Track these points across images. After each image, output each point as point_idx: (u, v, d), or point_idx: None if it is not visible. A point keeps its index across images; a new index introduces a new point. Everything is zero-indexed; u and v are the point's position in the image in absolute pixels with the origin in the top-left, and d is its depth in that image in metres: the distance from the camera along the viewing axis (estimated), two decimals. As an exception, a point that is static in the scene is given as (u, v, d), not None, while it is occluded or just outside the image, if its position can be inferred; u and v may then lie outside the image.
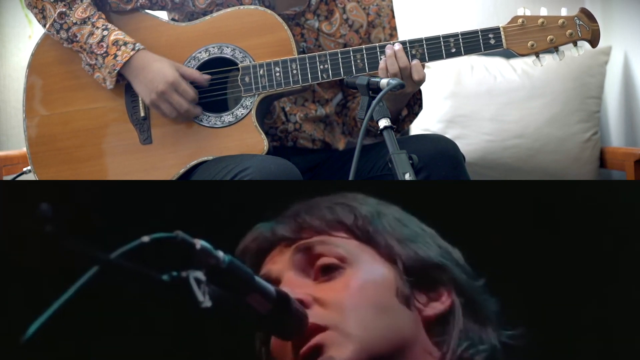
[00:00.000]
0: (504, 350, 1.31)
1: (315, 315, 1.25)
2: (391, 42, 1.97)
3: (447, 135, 2.33)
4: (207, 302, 1.12)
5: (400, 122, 2.08)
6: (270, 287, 1.20)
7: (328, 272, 1.28)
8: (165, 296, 1.11)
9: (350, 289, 1.27)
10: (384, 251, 1.31)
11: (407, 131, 2.14)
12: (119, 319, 1.36)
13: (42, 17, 2.02)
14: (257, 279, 1.19)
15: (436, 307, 1.31)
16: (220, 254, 1.15)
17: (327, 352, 1.23)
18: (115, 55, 1.96)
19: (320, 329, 1.24)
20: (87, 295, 1.06)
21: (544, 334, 1.42)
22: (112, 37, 1.97)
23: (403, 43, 1.95)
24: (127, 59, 1.95)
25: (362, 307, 1.26)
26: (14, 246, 1.25)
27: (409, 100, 2.05)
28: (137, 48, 1.96)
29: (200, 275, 1.13)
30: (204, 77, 1.98)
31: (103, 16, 2.00)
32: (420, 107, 2.09)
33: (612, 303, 1.48)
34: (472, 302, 1.32)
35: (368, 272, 1.29)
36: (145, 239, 1.10)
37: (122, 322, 1.37)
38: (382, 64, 1.93)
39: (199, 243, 1.14)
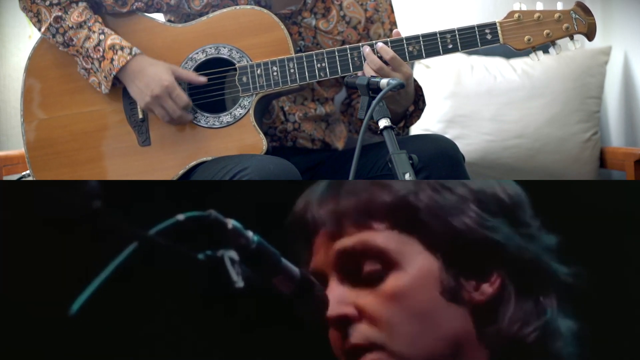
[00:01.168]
0: (565, 293, 1.29)
1: (363, 332, 1.26)
2: (362, 44, 1.97)
3: (447, 135, 2.33)
4: (240, 283, 1.12)
5: (408, 117, 2.07)
6: (295, 269, 1.20)
7: (372, 279, 1.27)
8: (202, 275, 1.11)
9: (394, 299, 1.26)
10: (425, 239, 1.28)
11: (407, 131, 2.13)
12: (155, 298, 1.35)
13: (37, 21, 2.01)
14: (283, 260, 1.19)
15: (486, 291, 1.28)
16: (250, 233, 1.15)
17: None
18: (112, 60, 1.95)
19: (369, 347, 1.25)
20: (125, 274, 1.07)
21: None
22: (108, 42, 1.97)
23: (400, 40, 1.95)
24: (124, 63, 1.95)
25: (408, 320, 1.25)
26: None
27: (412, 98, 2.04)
28: (134, 53, 1.96)
29: (234, 255, 1.13)
30: (200, 79, 1.98)
31: (99, 20, 2.00)
32: (424, 102, 2.08)
33: (610, 302, 1.48)
34: (524, 267, 1.29)
35: (411, 274, 1.27)
36: (180, 216, 1.10)
37: (158, 301, 1.36)
38: (360, 74, 1.93)
39: (231, 222, 1.14)
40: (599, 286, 1.32)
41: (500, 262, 1.29)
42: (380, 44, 1.93)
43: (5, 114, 2.85)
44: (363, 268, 1.27)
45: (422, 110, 2.09)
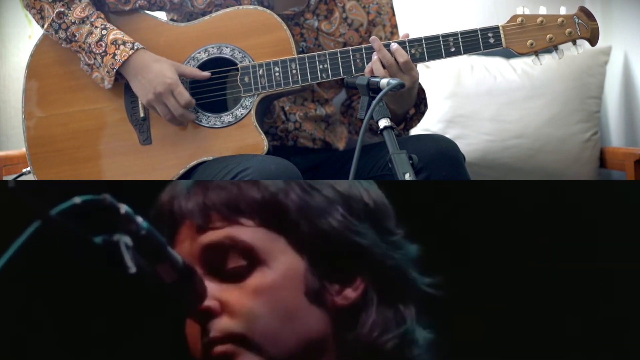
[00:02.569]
0: (424, 303, 1.30)
1: (223, 324, 1.25)
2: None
3: (447, 135, 2.33)
4: (133, 268, 1.13)
5: (408, 120, 2.08)
6: (179, 257, 1.20)
7: (236, 274, 1.27)
8: (98, 260, 1.12)
9: (257, 295, 1.25)
10: (292, 239, 1.28)
11: (407, 133, 2.13)
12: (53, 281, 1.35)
13: (40, 18, 2.01)
14: (169, 248, 1.19)
15: (349, 296, 1.29)
16: (140, 219, 1.15)
17: None
18: (114, 55, 1.95)
19: (228, 338, 1.24)
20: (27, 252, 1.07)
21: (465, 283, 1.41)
22: (111, 37, 1.97)
23: (402, 42, 1.95)
24: (126, 58, 1.95)
25: (268, 317, 1.25)
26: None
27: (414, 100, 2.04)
28: (136, 47, 1.96)
29: (128, 240, 1.13)
30: (204, 74, 1.98)
31: (102, 15, 2.00)
32: (425, 106, 2.09)
33: (611, 306, 1.48)
34: (386, 274, 1.30)
35: (276, 272, 1.27)
36: (77, 199, 1.10)
37: (56, 285, 1.35)
38: (367, 68, 1.93)
39: (124, 207, 1.14)
40: (457, 296, 1.33)
41: (365, 267, 1.30)
42: (395, 45, 1.93)
43: (5, 114, 2.85)
44: (228, 263, 1.27)
45: (423, 113, 2.10)
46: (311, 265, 1.28)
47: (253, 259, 1.27)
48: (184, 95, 1.94)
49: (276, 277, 1.27)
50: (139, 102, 2.01)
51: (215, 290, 1.26)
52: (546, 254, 1.49)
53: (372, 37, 1.94)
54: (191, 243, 1.29)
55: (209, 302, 1.25)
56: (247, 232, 1.28)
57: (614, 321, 1.48)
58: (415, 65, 1.94)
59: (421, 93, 2.06)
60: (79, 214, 1.10)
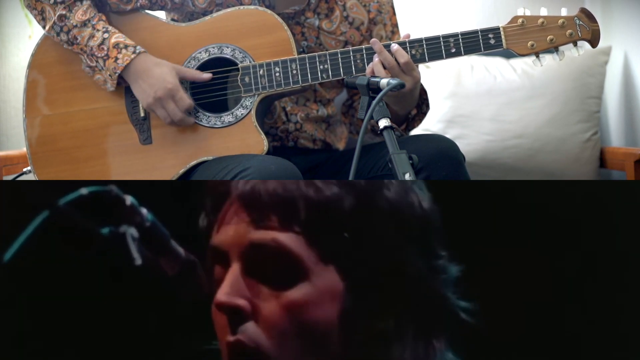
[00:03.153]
0: (458, 331, 1.25)
1: (252, 333, 1.21)
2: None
3: (447, 135, 2.33)
4: (138, 260, 1.12)
5: (410, 121, 2.08)
6: (181, 250, 1.19)
7: (278, 282, 1.21)
8: (104, 250, 1.11)
9: (296, 309, 1.21)
10: (329, 258, 1.22)
11: (408, 133, 2.14)
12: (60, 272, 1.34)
13: (41, 19, 2.02)
14: (172, 241, 1.18)
15: (378, 325, 1.22)
16: (144, 211, 1.15)
17: None
18: (116, 59, 1.96)
19: (252, 351, 1.20)
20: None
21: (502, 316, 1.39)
22: (112, 40, 1.97)
23: (403, 43, 1.95)
24: (128, 62, 1.95)
25: (300, 333, 1.20)
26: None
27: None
28: (137, 51, 1.96)
29: (134, 232, 1.13)
30: (205, 77, 1.98)
31: (103, 18, 2.00)
32: (427, 106, 2.09)
33: (611, 304, 1.49)
34: (426, 309, 1.24)
35: (314, 289, 1.22)
36: (84, 190, 1.10)
37: (63, 275, 1.35)
38: (368, 69, 1.93)
39: (129, 199, 1.14)
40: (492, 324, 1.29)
41: (405, 300, 1.24)
42: (396, 46, 1.93)
43: (5, 114, 2.85)
44: (272, 268, 1.22)
45: (425, 114, 2.10)
46: (349, 287, 1.22)
47: (298, 270, 1.22)
48: (184, 100, 1.94)
49: (313, 293, 1.22)
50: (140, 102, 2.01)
51: (250, 291, 1.22)
52: (546, 254, 1.49)
53: (373, 40, 1.94)
54: (237, 234, 1.23)
55: (240, 301, 1.21)
56: (296, 242, 1.22)
57: (615, 321, 1.48)
58: (417, 66, 1.94)
59: (423, 94, 2.06)
60: (86, 205, 1.09)
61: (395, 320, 1.23)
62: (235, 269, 1.23)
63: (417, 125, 2.10)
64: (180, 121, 1.96)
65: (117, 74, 1.96)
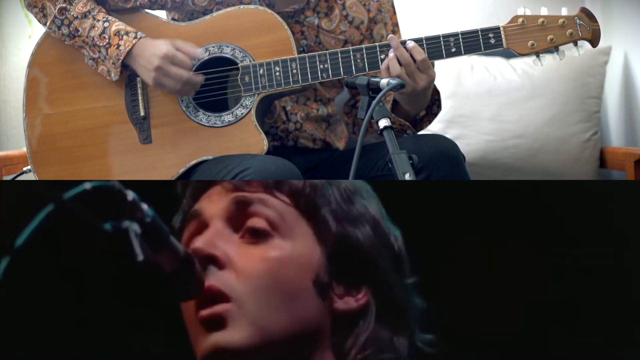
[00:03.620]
0: (414, 356, 1.29)
1: (224, 279, 1.23)
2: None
3: (447, 135, 2.33)
4: (140, 256, 1.12)
5: (419, 122, 2.07)
6: (180, 247, 1.18)
7: (255, 235, 1.26)
8: (107, 246, 1.11)
9: (268, 262, 1.24)
10: (318, 230, 1.28)
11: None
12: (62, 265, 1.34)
13: (42, 16, 2.02)
14: (171, 237, 1.18)
15: (349, 303, 1.28)
16: (145, 206, 1.14)
17: (227, 327, 1.21)
18: (118, 45, 1.96)
19: (224, 298, 1.23)
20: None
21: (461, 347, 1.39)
22: (113, 28, 1.97)
23: (403, 42, 1.95)
24: (130, 47, 1.95)
25: (272, 287, 1.24)
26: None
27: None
28: (139, 36, 1.96)
29: (137, 227, 1.13)
30: (198, 52, 1.97)
31: (103, 10, 2.01)
32: (438, 107, 2.07)
33: (611, 303, 1.48)
34: (391, 303, 1.30)
35: (293, 249, 1.26)
36: (87, 185, 1.10)
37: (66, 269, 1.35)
38: (383, 65, 1.93)
39: (130, 194, 1.13)
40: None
41: (374, 285, 1.29)
42: (412, 43, 1.92)
43: (5, 114, 2.85)
44: (250, 221, 1.26)
45: (435, 114, 2.08)
46: (327, 258, 1.28)
47: (275, 228, 1.27)
48: (185, 61, 1.94)
49: (292, 253, 1.26)
50: (140, 100, 2.01)
51: (227, 242, 1.26)
52: (546, 255, 1.49)
53: (390, 36, 1.93)
54: (220, 197, 1.29)
55: (216, 251, 1.24)
56: (279, 204, 1.28)
57: (616, 321, 1.48)
58: (432, 65, 1.93)
59: (434, 94, 2.05)
60: (89, 200, 1.09)
61: (366, 302, 1.28)
62: (216, 225, 1.27)
63: (426, 126, 2.09)
64: (188, 81, 1.94)
65: (120, 61, 1.96)
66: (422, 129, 2.09)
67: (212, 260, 1.24)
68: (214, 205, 1.29)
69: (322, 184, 1.31)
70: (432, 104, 2.05)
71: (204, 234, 1.28)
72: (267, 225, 1.27)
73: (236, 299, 1.23)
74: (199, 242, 1.26)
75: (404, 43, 1.92)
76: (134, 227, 1.12)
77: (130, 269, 1.12)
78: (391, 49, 1.92)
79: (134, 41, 1.95)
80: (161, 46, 1.94)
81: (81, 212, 1.09)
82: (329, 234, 1.29)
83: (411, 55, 1.90)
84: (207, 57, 2.00)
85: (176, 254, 1.17)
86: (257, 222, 1.27)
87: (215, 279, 1.24)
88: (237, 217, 1.27)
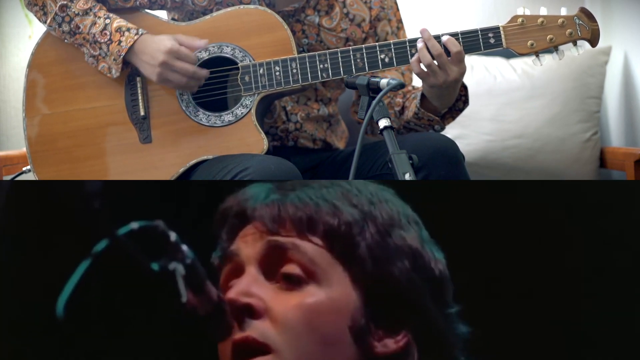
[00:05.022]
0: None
1: (262, 329, 1.21)
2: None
3: (447, 135, 2.33)
4: (184, 297, 1.12)
5: (441, 118, 2.06)
6: (214, 291, 1.17)
7: (290, 281, 1.23)
8: (152, 286, 1.11)
9: (304, 309, 1.22)
10: (353, 273, 1.25)
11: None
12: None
13: (43, 14, 2.02)
14: (207, 281, 1.17)
15: (388, 346, 1.25)
16: (185, 247, 1.14)
17: None
18: (120, 42, 1.96)
19: (263, 349, 1.20)
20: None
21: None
22: (114, 24, 1.97)
23: (403, 42, 1.96)
24: (131, 43, 1.95)
25: (308, 335, 1.21)
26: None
27: None
28: (140, 33, 1.96)
29: (182, 269, 1.12)
30: (200, 43, 1.96)
31: (104, 7, 2.01)
32: (465, 103, 2.07)
33: (611, 304, 1.49)
34: (433, 338, 1.27)
35: (328, 295, 1.23)
36: (134, 225, 1.10)
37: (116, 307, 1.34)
38: (414, 58, 1.93)
39: (173, 235, 1.13)
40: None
41: (414, 325, 1.26)
42: (447, 37, 1.92)
43: (5, 114, 2.85)
44: (285, 267, 1.24)
45: (460, 110, 2.07)
46: (363, 302, 1.24)
47: (310, 274, 1.24)
48: (190, 55, 1.94)
49: (327, 300, 1.23)
50: (139, 100, 2.01)
51: (263, 290, 1.24)
52: (546, 256, 1.49)
53: (422, 29, 1.93)
54: (253, 241, 1.27)
55: (252, 300, 1.22)
56: (313, 249, 1.25)
57: (617, 321, 1.48)
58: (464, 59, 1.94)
59: (461, 90, 2.04)
60: (137, 239, 1.09)
61: (406, 343, 1.25)
62: (251, 271, 1.25)
63: (450, 122, 2.08)
64: (194, 74, 1.95)
65: (121, 57, 1.96)
66: (446, 124, 2.09)
67: (249, 310, 1.22)
68: (250, 247, 1.27)
69: (357, 221, 1.26)
70: (458, 99, 2.05)
71: (239, 281, 1.25)
72: (301, 271, 1.24)
73: (275, 350, 1.21)
74: (234, 293, 1.24)
75: (437, 37, 1.92)
76: (180, 269, 1.12)
77: (175, 311, 1.12)
78: (420, 40, 1.92)
79: (135, 37, 1.95)
80: (165, 41, 1.94)
81: (132, 250, 1.09)
82: (365, 275, 1.25)
83: (445, 48, 1.91)
84: (207, 57, 2.00)
85: (210, 297, 1.17)
86: (291, 269, 1.24)
87: (252, 329, 1.22)
88: (272, 263, 1.25)
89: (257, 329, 1.21)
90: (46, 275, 1.24)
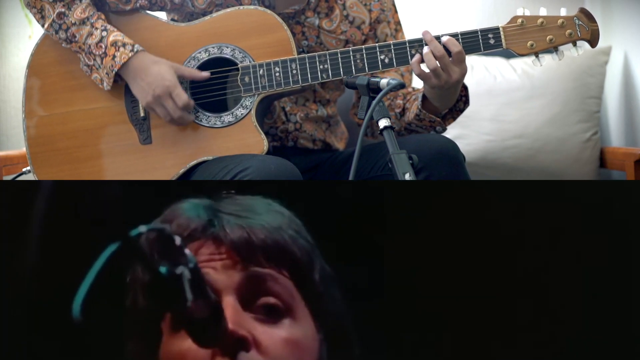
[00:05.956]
0: None
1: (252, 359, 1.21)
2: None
3: (447, 135, 2.33)
4: (190, 302, 1.13)
5: (442, 119, 2.06)
6: (212, 295, 1.18)
7: (269, 313, 1.24)
8: (161, 289, 1.11)
9: (292, 346, 1.23)
10: (311, 308, 1.27)
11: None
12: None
13: (40, 17, 2.02)
14: (207, 286, 1.17)
15: None
16: (188, 252, 1.15)
17: None
18: (114, 56, 1.96)
19: None
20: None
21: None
22: (111, 38, 1.97)
23: (403, 43, 1.96)
24: (125, 60, 1.95)
25: None
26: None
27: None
28: (136, 50, 1.96)
29: (188, 273, 1.13)
30: (202, 76, 1.97)
31: (102, 17, 2.00)
32: (465, 103, 2.07)
33: (611, 303, 1.48)
34: None
35: (304, 332, 1.25)
36: (143, 228, 1.10)
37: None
38: (415, 59, 1.93)
39: (178, 239, 1.13)
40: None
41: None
42: (447, 37, 1.92)
43: (5, 114, 2.85)
44: (265, 299, 1.24)
45: (461, 111, 2.07)
46: (323, 340, 1.27)
47: (287, 307, 1.25)
48: (182, 97, 1.94)
49: (303, 336, 1.25)
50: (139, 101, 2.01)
51: (248, 323, 1.23)
52: (545, 255, 1.49)
53: (425, 31, 1.94)
54: (227, 267, 1.26)
55: (242, 331, 1.22)
56: (285, 281, 1.26)
57: (618, 320, 1.48)
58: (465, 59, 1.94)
59: (461, 90, 2.04)
60: (145, 241, 1.10)
61: None
62: (230, 301, 1.24)
63: (450, 122, 2.08)
64: (180, 118, 1.96)
65: (114, 72, 1.96)
66: (446, 125, 2.09)
67: (243, 343, 1.22)
68: (223, 275, 1.25)
69: (309, 250, 1.28)
70: (458, 99, 2.05)
71: (227, 312, 1.23)
72: (280, 303, 1.25)
73: None
74: (231, 323, 1.22)
75: (437, 38, 1.92)
76: (186, 273, 1.12)
77: (182, 314, 1.13)
78: (425, 46, 1.91)
79: (130, 54, 1.95)
80: (165, 74, 1.94)
81: (142, 252, 1.09)
82: (321, 312, 1.27)
83: (446, 48, 1.91)
84: (207, 58, 2.00)
85: (209, 301, 1.17)
86: (272, 301, 1.24)
87: None
88: (250, 294, 1.25)
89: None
90: (61, 277, 1.24)
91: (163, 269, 1.12)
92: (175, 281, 1.12)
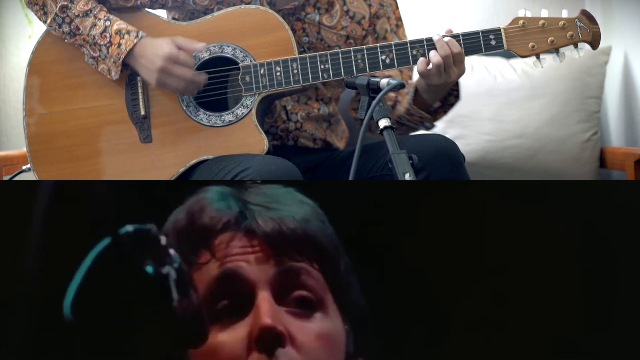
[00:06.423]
0: None
1: (287, 356, 1.21)
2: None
3: (447, 135, 2.33)
4: (175, 302, 1.12)
5: (433, 113, 2.08)
6: (195, 297, 1.17)
7: (302, 307, 1.24)
8: (146, 289, 1.11)
9: (325, 340, 1.23)
10: (337, 298, 1.27)
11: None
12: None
13: (43, 13, 2.02)
14: (191, 286, 1.17)
15: None
16: (173, 252, 1.14)
17: None
18: (119, 44, 1.96)
19: None
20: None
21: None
22: (115, 27, 1.97)
23: (404, 44, 1.96)
24: (131, 47, 1.95)
25: None
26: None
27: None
28: (140, 36, 1.96)
29: (173, 272, 1.12)
30: (199, 46, 1.96)
31: (104, 8, 2.01)
32: (456, 97, 2.09)
33: (611, 303, 1.49)
34: None
35: (334, 325, 1.25)
36: (129, 227, 1.10)
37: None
38: (421, 60, 1.94)
39: (163, 239, 1.13)
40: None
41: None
42: (447, 38, 1.94)
43: (5, 114, 2.85)
44: (298, 292, 1.24)
45: (452, 105, 2.09)
46: (350, 332, 1.27)
47: (319, 299, 1.25)
48: (188, 60, 1.94)
49: (333, 330, 1.25)
50: (140, 99, 2.01)
51: (282, 318, 1.23)
52: (545, 255, 1.49)
53: (435, 35, 1.94)
54: (260, 260, 1.26)
55: (280, 327, 1.22)
56: (317, 274, 1.26)
57: (617, 320, 1.48)
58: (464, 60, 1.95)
59: (453, 85, 2.06)
60: (131, 241, 1.10)
61: None
62: (265, 296, 1.24)
63: (441, 117, 2.10)
64: (192, 80, 1.95)
65: (120, 60, 1.96)
66: (437, 120, 2.10)
67: (279, 338, 1.22)
68: (256, 268, 1.26)
69: (336, 241, 1.28)
70: (450, 94, 2.06)
71: (261, 307, 1.24)
72: (313, 297, 1.25)
73: None
74: (267, 319, 1.22)
75: (430, 40, 1.93)
76: (172, 273, 1.12)
77: (167, 313, 1.12)
78: (434, 51, 1.93)
79: (135, 40, 1.95)
80: (163, 46, 1.94)
81: (130, 250, 1.09)
82: (348, 305, 1.28)
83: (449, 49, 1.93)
84: (207, 57, 2.00)
85: (192, 302, 1.16)
86: (305, 294, 1.25)
87: (282, 356, 1.22)
88: (284, 287, 1.25)
89: (287, 356, 1.21)
90: (52, 275, 1.24)
91: (149, 269, 1.11)
92: (162, 280, 1.12)
